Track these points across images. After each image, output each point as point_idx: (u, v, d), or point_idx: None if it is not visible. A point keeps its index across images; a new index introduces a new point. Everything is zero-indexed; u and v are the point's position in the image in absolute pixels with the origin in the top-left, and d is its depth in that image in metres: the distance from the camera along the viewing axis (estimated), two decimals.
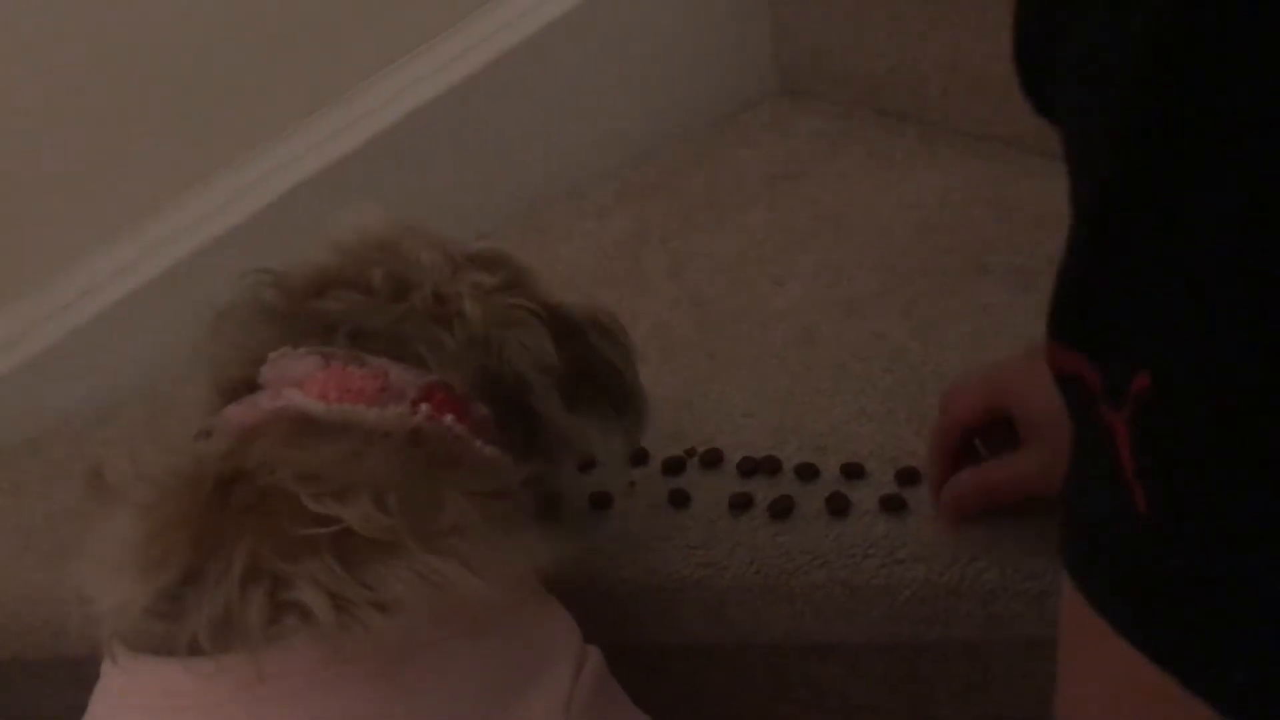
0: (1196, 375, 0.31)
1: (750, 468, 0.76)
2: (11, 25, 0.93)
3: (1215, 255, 0.31)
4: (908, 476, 0.72)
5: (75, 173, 0.98)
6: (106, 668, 0.52)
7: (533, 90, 1.12)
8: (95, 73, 0.97)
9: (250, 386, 0.57)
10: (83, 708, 0.54)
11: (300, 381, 0.55)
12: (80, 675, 0.55)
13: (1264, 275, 0.30)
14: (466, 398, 0.58)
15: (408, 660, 0.50)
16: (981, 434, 0.68)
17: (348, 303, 0.59)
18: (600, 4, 1.13)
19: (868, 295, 0.90)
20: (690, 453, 0.77)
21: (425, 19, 1.09)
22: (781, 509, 0.72)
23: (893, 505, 0.71)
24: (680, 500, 0.74)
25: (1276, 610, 0.32)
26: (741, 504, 0.73)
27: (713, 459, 0.77)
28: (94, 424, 0.97)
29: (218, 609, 0.48)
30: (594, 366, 0.65)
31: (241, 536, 0.49)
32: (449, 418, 0.56)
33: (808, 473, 0.74)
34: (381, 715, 0.49)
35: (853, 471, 0.74)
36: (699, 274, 0.98)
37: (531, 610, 0.57)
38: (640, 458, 0.77)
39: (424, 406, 0.55)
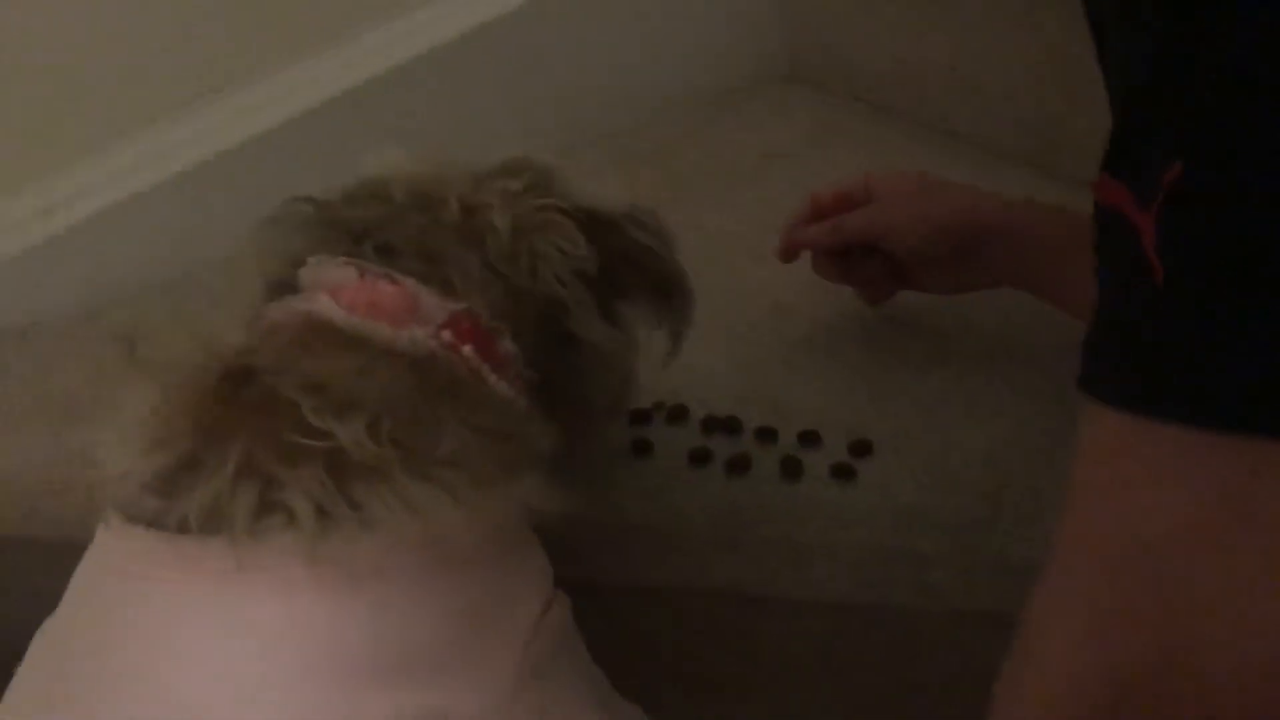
0: (1230, 155, 0.36)
1: (712, 425, 0.79)
2: None
3: (1260, 50, 0.36)
4: (860, 448, 0.76)
5: (81, 74, 1.00)
6: (100, 532, 0.54)
7: (539, 45, 1.14)
8: None
9: (292, 288, 0.57)
10: (51, 593, 0.56)
11: (334, 289, 0.56)
12: (49, 559, 0.57)
13: None
14: (493, 332, 0.58)
15: (379, 577, 0.51)
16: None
17: (375, 211, 0.59)
18: None
19: None
20: (658, 406, 0.80)
21: None
22: (738, 466, 0.75)
23: (842, 473, 0.74)
24: (643, 449, 0.78)
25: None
26: (700, 457, 0.76)
27: (678, 414, 0.80)
28: (82, 320, 0.99)
29: (209, 497, 0.50)
30: (632, 257, 0.64)
31: (241, 432, 0.50)
32: (468, 348, 0.56)
33: (766, 435, 0.78)
34: (341, 623, 0.51)
35: (809, 439, 0.77)
36: (683, 244, 1.00)
37: (511, 549, 0.57)
38: None
39: (445, 334, 0.56)
